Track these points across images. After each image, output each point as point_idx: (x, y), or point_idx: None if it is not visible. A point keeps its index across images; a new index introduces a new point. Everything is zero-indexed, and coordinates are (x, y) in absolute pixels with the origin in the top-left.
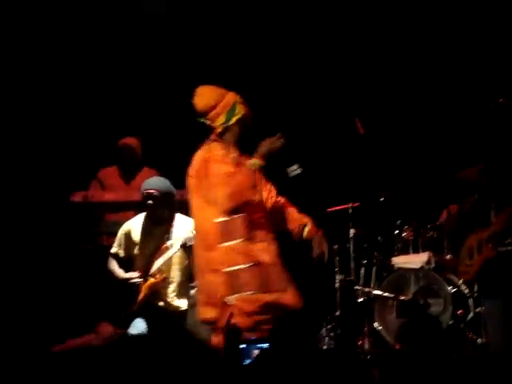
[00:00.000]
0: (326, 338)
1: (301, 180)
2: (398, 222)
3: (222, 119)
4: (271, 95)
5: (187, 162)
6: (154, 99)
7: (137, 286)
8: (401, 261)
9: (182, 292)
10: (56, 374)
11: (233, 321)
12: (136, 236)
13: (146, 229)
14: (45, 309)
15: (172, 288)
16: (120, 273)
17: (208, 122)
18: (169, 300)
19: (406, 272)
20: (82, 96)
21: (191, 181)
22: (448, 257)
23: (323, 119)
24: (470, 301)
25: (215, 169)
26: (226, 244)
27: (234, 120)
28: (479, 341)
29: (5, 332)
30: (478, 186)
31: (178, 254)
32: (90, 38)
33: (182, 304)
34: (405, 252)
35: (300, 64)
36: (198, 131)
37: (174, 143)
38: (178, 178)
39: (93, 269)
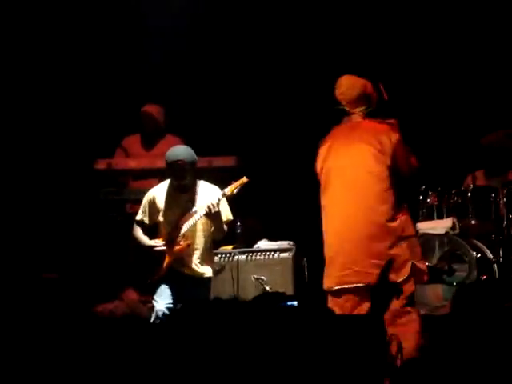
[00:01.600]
0: None
1: None
2: (423, 187)
3: (363, 106)
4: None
5: (210, 129)
6: (178, 67)
7: (162, 253)
8: (425, 226)
9: (206, 259)
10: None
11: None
12: (161, 203)
13: (171, 196)
14: (72, 276)
15: (197, 255)
16: (145, 240)
17: (348, 108)
18: (193, 267)
19: (430, 237)
20: (107, 63)
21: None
22: (473, 222)
23: None
24: (495, 266)
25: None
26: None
27: (373, 106)
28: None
29: (35, 299)
30: (501, 150)
31: (203, 220)
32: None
33: (207, 271)
34: (429, 217)
35: None
36: (220, 101)
37: (197, 111)
38: (202, 145)
39: (118, 236)
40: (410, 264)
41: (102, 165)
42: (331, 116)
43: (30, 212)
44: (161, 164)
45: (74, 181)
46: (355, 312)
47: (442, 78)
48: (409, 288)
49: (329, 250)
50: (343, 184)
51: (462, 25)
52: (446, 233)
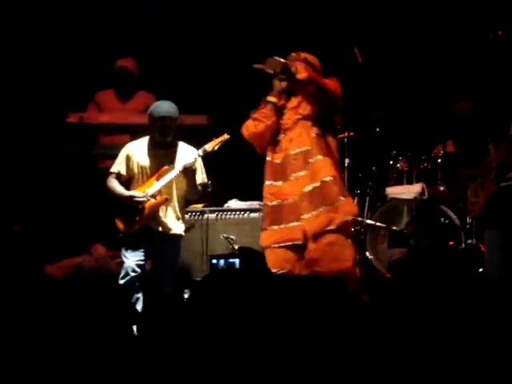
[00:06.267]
0: None
1: None
2: (393, 152)
3: None
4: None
5: (180, 86)
6: (151, 22)
7: (135, 208)
8: (394, 191)
9: (178, 216)
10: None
11: None
12: (138, 158)
13: (150, 152)
14: (41, 230)
15: (170, 211)
16: (122, 191)
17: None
18: (166, 223)
19: (399, 202)
20: (81, 17)
21: None
22: (441, 188)
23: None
24: (462, 233)
25: None
26: None
27: None
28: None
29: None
30: (472, 118)
31: (178, 178)
32: None
33: (178, 228)
34: (399, 183)
35: None
36: (194, 57)
37: (170, 67)
38: (175, 102)
39: (86, 190)
40: None
41: (73, 118)
42: None
43: (1, 165)
44: (133, 120)
45: (46, 134)
46: None
47: (415, 40)
48: None
49: None
50: None
51: None
52: (415, 198)
